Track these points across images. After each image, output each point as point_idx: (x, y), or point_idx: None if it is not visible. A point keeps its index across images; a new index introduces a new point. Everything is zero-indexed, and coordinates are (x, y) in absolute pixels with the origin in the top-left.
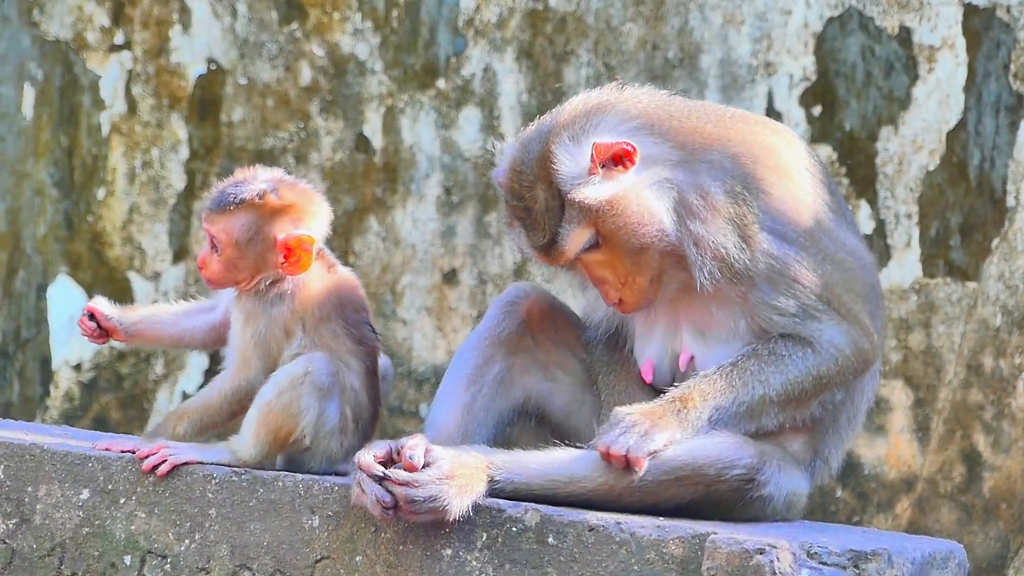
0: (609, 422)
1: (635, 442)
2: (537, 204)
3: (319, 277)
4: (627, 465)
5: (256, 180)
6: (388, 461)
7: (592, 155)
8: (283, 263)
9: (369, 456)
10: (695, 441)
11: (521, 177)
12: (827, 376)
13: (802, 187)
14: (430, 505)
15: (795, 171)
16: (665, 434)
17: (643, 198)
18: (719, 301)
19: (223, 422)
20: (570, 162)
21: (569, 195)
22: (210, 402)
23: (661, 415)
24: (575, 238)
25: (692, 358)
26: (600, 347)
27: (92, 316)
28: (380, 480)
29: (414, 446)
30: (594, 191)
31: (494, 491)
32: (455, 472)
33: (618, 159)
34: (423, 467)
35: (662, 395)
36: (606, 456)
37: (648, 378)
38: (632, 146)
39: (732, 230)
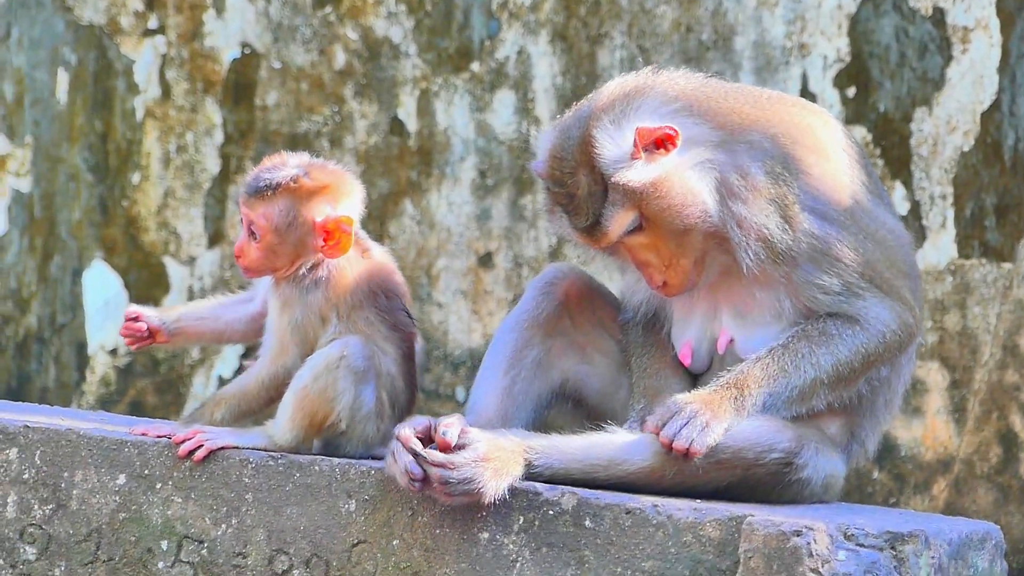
0: (667, 409)
1: (697, 435)
2: (579, 190)
3: (353, 263)
4: (687, 455)
5: (287, 165)
6: (427, 439)
7: (635, 139)
8: (323, 246)
9: (408, 429)
10: (735, 427)
11: (562, 164)
12: (875, 353)
13: (840, 167)
14: (464, 488)
15: (833, 151)
16: (723, 424)
17: (686, 179)
18: (762, 283)
19: (260, 408)
20: (612, 146)
21: (613, 178)
22: (247, 388)
23: (719, 404)
24: (619, 220)
25: (732, 341)
26: (636, 329)
27: (137, 319)
28: (415, 455)
29: (449, 424)
30: (638, 174)
31: (531, 475)
32: (491, 455)
33: (660, 143)
34: (458, 449)
35: (700, 380)
36: (667, 447)
37: (687, 361)
38: (674, 129)
39: (774, 210)
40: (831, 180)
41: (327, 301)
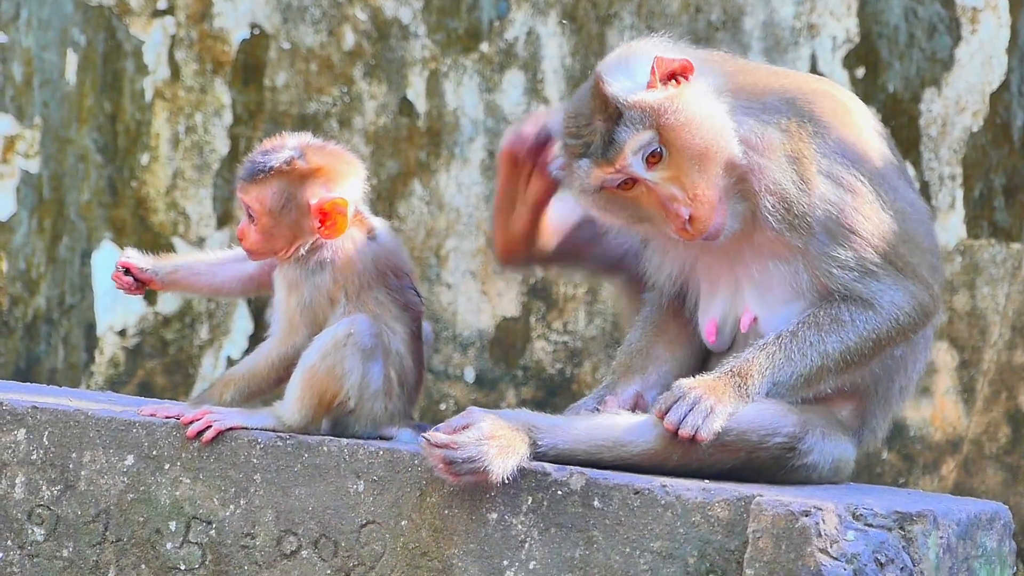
0: (671, 393)
1: (703, 420)
2: (595, 136)
3: (359, 243)
4: (693, 441)
5: (284, 147)
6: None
7: (652, 67)
8: (319, 227)
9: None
10: (740, 410)
11: (577, 119)
12: (887, 337)
13: (861, 134)
14: (470, 467)
15: (854, 116)
16: (728, 409)
17: (704, 103)
18: (780, 256)
19: (269, 388)
20: (625, 80)
21: (628, 100)
22: (256, 368)
23: (723, 390)
24: (634, 139)
25: (755, 319)
26: (652, 305)
27: (128, 271)
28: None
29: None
30: (655, 95)
31: (537, 455)
32: (495, 433)
33: (675, 75)
34: (463, 429)
35: (714, 371)
36: (673, 432)
37: (712, 338)
38: (691, 63)
39: (791, 168)
40: (849, 146)
41: (335, 282)
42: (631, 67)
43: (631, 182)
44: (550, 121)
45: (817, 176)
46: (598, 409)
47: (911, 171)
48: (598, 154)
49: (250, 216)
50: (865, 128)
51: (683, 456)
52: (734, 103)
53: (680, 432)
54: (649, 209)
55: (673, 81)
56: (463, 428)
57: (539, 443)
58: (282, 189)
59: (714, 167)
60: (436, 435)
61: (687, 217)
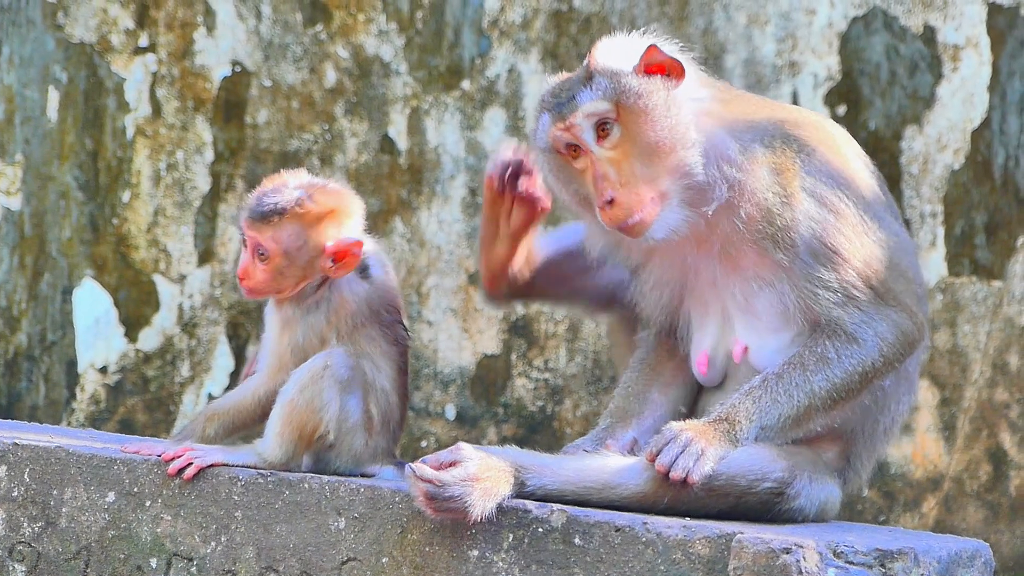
0: (662, 436)
1: (693, 464)
2: (563, 94)
3: (354, 284)
4: (684, 484)
5: (288, 187)
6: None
7: (643, 53)
8: (331, 267)
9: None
10: (730, 454)
11: (563, 83)
12: (873, 369)
13: (846, 160)
14: (450, 505)
15: (840, 145)
16: (718, 453)
17: (677, 106)
18: (765, 278)
19: (253, 424)
20: (616, 57)
21: (599, 67)
22: (242, 404)
23: (712, 434)
24: (591, 104)
25: (746, 349)
26: (646, 345)
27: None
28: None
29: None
30: (630, 78)
31: (523, 494)
32: (481, 474)
33: (662, 69)
34: (450, 466)
35: (706, 396)
36: (663, 475)
37: (703, 370)
38: (682, 67)
39: (773, 180)
40: (836, 168)
41: (328, 323)
42: (629, 48)
43: (578, 150)
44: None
45: (800, 192)
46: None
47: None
48: (557, 109)
49: (259, 255)
50: (852, 158)
51: (672, 500)
52: (722, 124)
53: (671, 474)
54: (588, 186)
55: (660, 76)
56: (450, 465)
57: (527, 483)
58: (297, 231)
59: (661, 164)
60: (423, 468)
61: (609, 199)
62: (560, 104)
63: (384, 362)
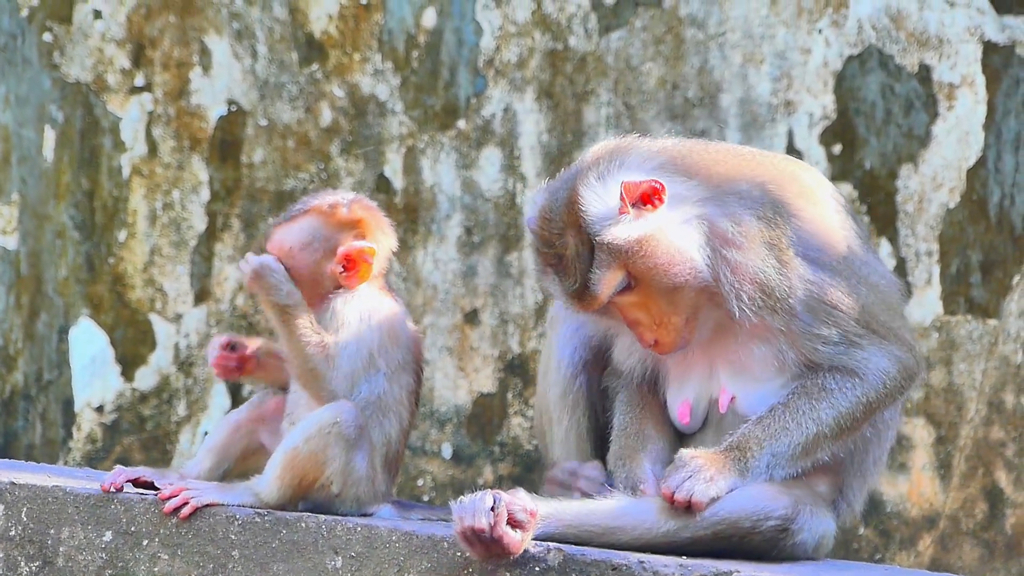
0: (674, 464)
1: (700, 487)
2: (568, 250)
3: (405, 324)
4: (688, 508)
5: (332, 194)
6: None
7: (621, 194)
8: (342, 273)
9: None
10: (730, 495)
11: (551, 224)
12: (876, 401)
13: (828, 212)
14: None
15: (821, 196)
16: (728, 481)
17: (674, 237)
18: (761, 338)
19: None
20: (598, 203)
21: (598, 237)
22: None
23: (723, 463)
24: (607, 282)
25: (733, 398)
26: (626, 389)
27: (233, 347)
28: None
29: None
30: (623, 231)
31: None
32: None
33: (647, 198)
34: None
35: (690, 441)
36: (669, 499)
37: (685, 420)
38: (660, 184)
39: (769, 254)
40: (821, 225)
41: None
42: (607, 186)
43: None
44: (528, 202)
45: (795, 259)
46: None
47: (887, 247)
48: (574, 296)
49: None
50: (832, 207)
51: (674, 544)
52: (709, 198)
53: (676, 498)
54: (617, 320)
55: (646, 205)
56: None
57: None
58: (313, 227)
59: (683, 295)
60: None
61: (652, 342)
62: (576, 290)
63: (404, 411)
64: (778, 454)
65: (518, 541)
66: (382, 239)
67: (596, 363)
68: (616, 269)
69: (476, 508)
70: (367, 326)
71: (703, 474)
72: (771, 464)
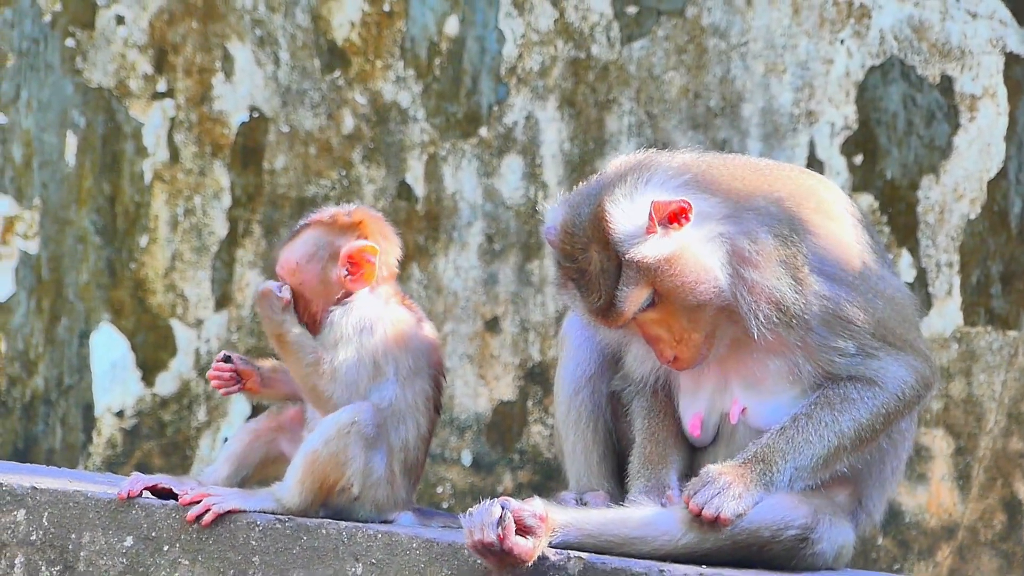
0: (700, 478)
1: (729, 505)
2: (591, 266)
3: (417, 331)
4: (714, 523)
5: (332, 208)
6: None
7: (650, 213)
8: (347, 276)
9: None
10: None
11: (574, 239)
12: (895, 411)
13: (844, 227)
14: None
15: (837, 211)
16: (754, 496)
17: (700, 255)
18: (776, 352)
19: None
20: (626, 220)
21: (627, 255)
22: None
23: (749, 476)
24: (633, 299)
25: (744, 410)
26: (642, 395)
27: (228, 359)
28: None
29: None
30: (653, 249)
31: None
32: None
33: (674, 217)
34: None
35: (705, 451)
36: (696, 514)
37: (696, 433)
38: (688, 203)
39: (785, 272)
40: (837, 240)
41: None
42: (634, 204)
43: None
44: (545, 217)
45: (811, 276)
46: (663, 503)
47: (908, 258)
48: (598, 312)
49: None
50: (848, 221)
51: (694, 555)
52: (729, 215)
53: (704, 514)
54: (633, 334)
55: (673, 224)
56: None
57: (550, 541)
58: (316, 237)
59: (704, 313)
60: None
61: (672, 359)
62: (601, 307)
63: (421, 417)
64: (801, 467)
65: (530, 549)
66: (383, 241)
67: (601, 376)
68: (643, 287)
69: (484, 521)
70: (369, 335)
71: (732, 491)
72: (793, 478)
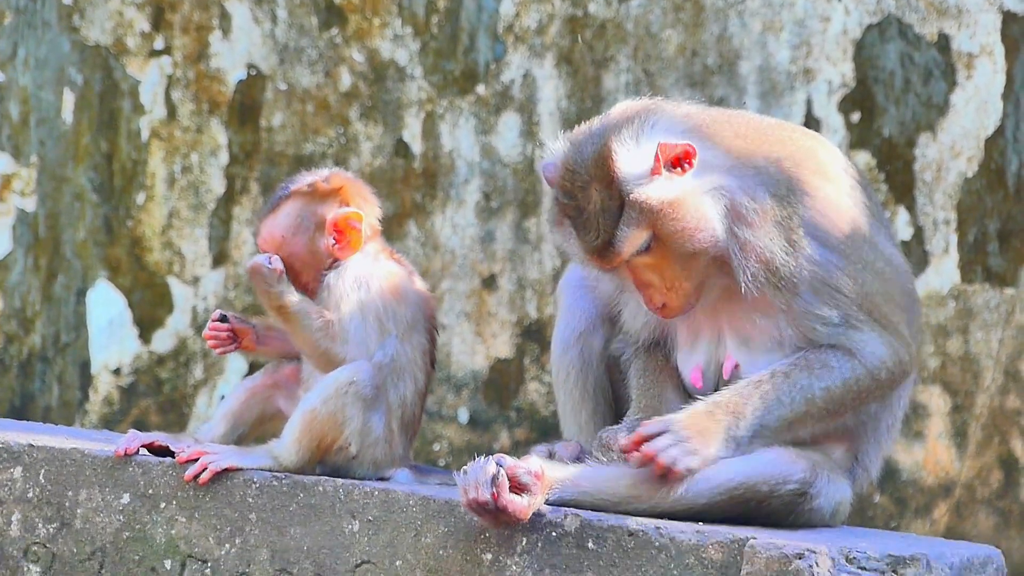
0: (659, 424)
1: (682, 456)
2: (591, 204)
3: (410, 284)
4: (668, 474)
5: (307, 174)
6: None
7: (657, 154)
8: (334, 245)
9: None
10: (748, 459)
11: (575, 176)
12: (868, 389)
13: (842, 190)
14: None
15: (836, 174)
16: (710, 453)
17: (701, 203)
18: (763, 310)
19: None
20: (632, 161)
21: (632, 195)
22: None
23: (712, 431)
24: (632, 240)
25: (737, 365)
26: (638, 351)
27: (224, 318)
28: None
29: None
30: (657, 192)
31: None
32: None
33: (678, 161)
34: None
35: (708, 399)
36: (648, 460)
37: (699, 383)
38: (693, 148)
39: (779, 234)
40: (834, 205)
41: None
42: (641, 145)
43: None
44: (547, 152)
45: (804, 238)
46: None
47: (905, 216)
48: (594, 251)
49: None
50: (846, 184)
51: (687, 508)
52: (730, 169)
53: (658, 459)
54: (627, 279)
55: (676, 168)
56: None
57: (547, 498)
58: (299, 208)
59: (698, 261)
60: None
61: (660, 305)
62: (599, 245)
63: (419, 372)
64: (765, 426)
65: (524, 507)
66: (364, 204)
67: (593, 333)
68: (643, 228)
69: (478, 479)
70: (367, 292)
71: (688, 444)
72: (755, 436)
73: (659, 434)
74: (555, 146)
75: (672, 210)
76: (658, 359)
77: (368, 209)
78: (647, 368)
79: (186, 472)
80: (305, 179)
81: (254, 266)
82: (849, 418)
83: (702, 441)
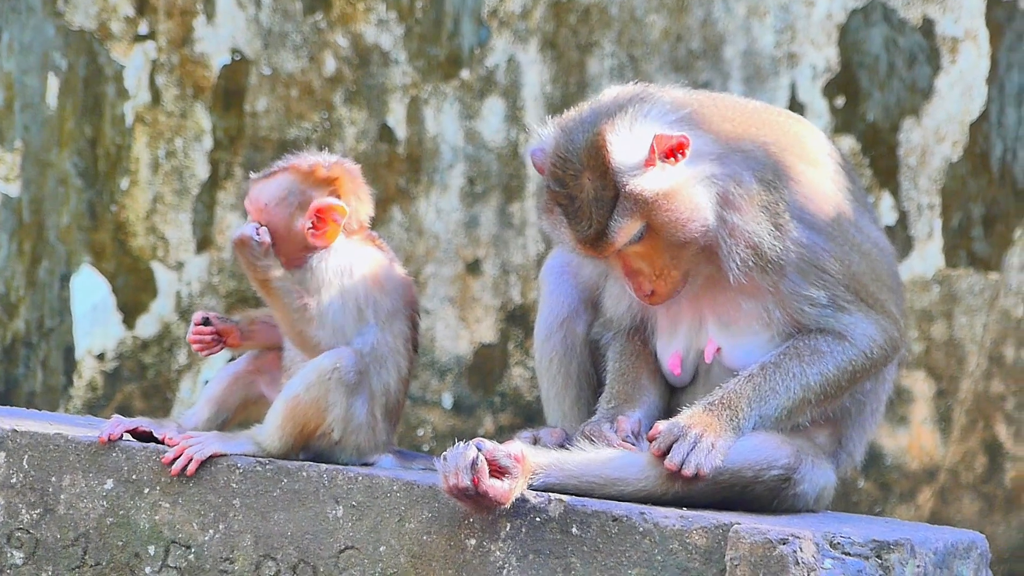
0: (670, 433)
1: (704, 458)
2: (583, 193)
3: (391, 271)
4: (696, 479)
5: (315, 155)
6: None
7: (652, 146)
8: (310, 229)
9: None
10: (732, 446)
11: (566, 165)
12: (862, 368)
13: (828, 175)
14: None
15: (821, 158)
16: (726, 445)
17: (693, 193)
18: (749, 293)
19: None
20: (626, 152)
21: (627, 187)
22: None
23: (719, 425)
24: (625, 230)
25: (719, 350)
26: (618, 337)
27: (207, 321)
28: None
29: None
30: (652, 183)
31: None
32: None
33: (671, 152)
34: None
35: (682, 391)
36: (675, 472)
37: (676, 371)
38: (687, 139)
39: (766, 218)
40: (820, 189)
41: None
42: (635, 135)
43: None
44: (536, 138)
45: (791, 222)
46: (611, 425)
47: (889, 200)
48: (586, 240)
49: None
50: (831, 168)
51: (676, 494)
52: (719, 156)
53: (683, 472)
54: (615, 267)
55: (670, 159)
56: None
57: (530, 482)
58: (289, 183)
59: (688, 250)
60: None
61: (649, 292)
62: (591, 235)
63: (401, 359)
64: (765, 416)
65: (506, 491)
66: (355, 202)
67: (576, 319)
68: (636, 219)
69: (458, 465)
70: (349, 279)
71: (704, 443)
72: (757, 425)
73: (673, 443)
74: (544, 132)
75: (666, 201)
76: (636, 344)
77: (358, 205)
78: (623, 353)
79: (172, 467)
80: (310, 159)
81: (241, 237)
82: (846, 399)
83: (715, 436)
